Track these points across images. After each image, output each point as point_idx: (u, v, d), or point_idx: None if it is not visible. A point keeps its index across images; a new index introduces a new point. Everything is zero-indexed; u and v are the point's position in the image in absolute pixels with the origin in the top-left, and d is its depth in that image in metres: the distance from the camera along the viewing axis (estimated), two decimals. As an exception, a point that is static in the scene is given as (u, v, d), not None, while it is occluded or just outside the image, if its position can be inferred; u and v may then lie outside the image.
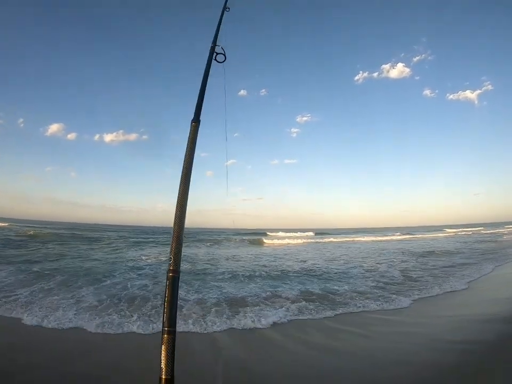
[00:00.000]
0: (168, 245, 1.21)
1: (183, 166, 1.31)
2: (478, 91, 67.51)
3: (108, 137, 78.47)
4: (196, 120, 1.42)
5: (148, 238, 26.76)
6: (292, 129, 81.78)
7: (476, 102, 69.84)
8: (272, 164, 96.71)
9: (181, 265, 1.22)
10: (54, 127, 73.96)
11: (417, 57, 66.48)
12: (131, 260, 12.06)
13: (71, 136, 75.53)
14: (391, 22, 71.36)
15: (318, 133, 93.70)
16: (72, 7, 62.07)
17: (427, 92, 71.29)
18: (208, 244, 23.35)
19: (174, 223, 1.22)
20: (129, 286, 6.95)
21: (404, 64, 66.93)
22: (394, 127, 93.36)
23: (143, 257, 12.79)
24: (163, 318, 1.14)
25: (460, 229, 50.96)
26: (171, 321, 1.14)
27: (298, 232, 42.15)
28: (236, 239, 28.20)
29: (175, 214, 1.24)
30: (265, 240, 27.55)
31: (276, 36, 74.24)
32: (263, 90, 74.11)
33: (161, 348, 1.13)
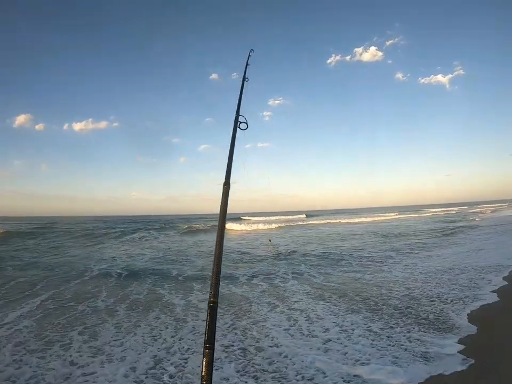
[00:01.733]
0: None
1: (218, 222, 1.70)
2: (450, 75, 71.48)
3: (77, 126, 74.71)
4: (227, 184, 1.76)
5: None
6: (264, 113, 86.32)
7: (448, 86, 74.36)
8: (246, 148, 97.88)
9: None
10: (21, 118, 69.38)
11: (390, 41, 69.51)
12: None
13: (39, 126, 71.18)
14: (364, 6, 74.60)
15: (290, 116, 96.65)
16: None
17: (399, 76, 75.53)
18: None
19: (214, 263, 1.61)
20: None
21: (376, 47, 69.90)
22: (366, 109, 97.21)
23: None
24: (205, 337, 1.53)
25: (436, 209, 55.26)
26: (211, 340, 1.52)
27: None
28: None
29: (214, 254, 1.63)
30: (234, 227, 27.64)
31: (248, 18, 74.29)
32: (234, 73, 74.48)
33: (202, 360, 1.51)
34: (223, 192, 1.75)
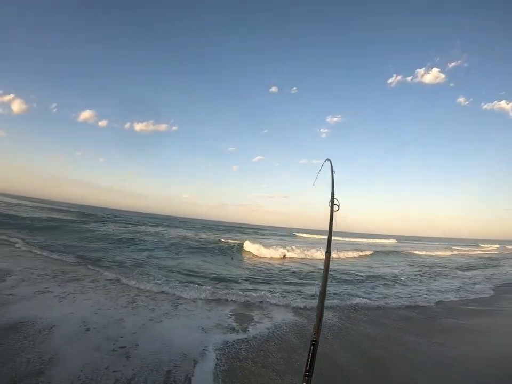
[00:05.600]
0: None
1: (324, 266, 2.00)
2: None
3: (138, 126, 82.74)
4: (329, 251, 2.07)
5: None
6: (321, 129, 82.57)
7: (511, 113, 66.46)
8: (300, 163, 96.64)
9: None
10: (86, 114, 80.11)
11: (453, 63, 65.54)
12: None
13: (102, 123, 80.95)
14: (427, 25, 67.33)
15: (348, 134, 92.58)
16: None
17: (461, 100, 69.33)
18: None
19: (318, 303, 1.92)
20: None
21: (439, 69, 65.18)
22: (425, 133, 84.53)
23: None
24: (305, 368, 1.85)
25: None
26: (310, 372, 1.83)
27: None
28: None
29: (319, 299, 1.93)
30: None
31: (309, 35, 73.92)
32: (294, 88, 75.40)
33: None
34: (325, 260, 2.06)
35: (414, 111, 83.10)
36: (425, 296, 8.62)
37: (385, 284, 10.37)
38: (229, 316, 5.77)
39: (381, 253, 23.07)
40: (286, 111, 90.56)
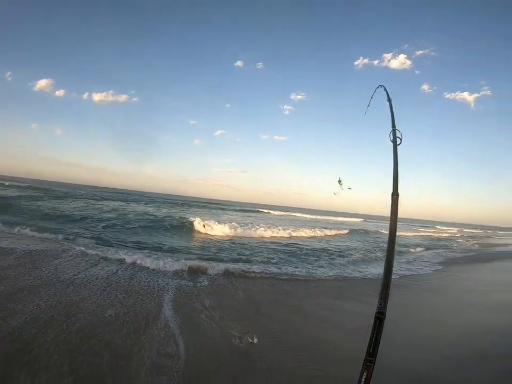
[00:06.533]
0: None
1: (389, 229, 1.58)
2: (476, 94, 67.49)
3: (97, 97, 76.54)
4: (395, 194, 1.65)
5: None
6: (284, 106, 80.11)
7: (472, 105, 70.25)
8: (262, 139, 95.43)
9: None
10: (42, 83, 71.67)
11: (421, 52, 65.56)
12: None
13: (59, 93, 73.82)
14: (399, 11, 70.15)
15: (311, 112, 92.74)
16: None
17: (425, 87, 70.51)
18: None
19: (384, 272, 1.50)
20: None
21: (406, 56, 65.35)
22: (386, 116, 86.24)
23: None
24: (368, 349, 1.43)
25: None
26: (373, 353, 1.41)
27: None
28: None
29: (384, 267, 1.52)
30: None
31: (279, 13, 71.93)
32: (260, 63, 72.89)
33: (361, 372, 1.42)
34: (392, 202, 1.64)
35: (378, 95, 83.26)
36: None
37: (330, 257, 11.06)
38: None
39: (354, 231, 24.00)
40: (250, 86, 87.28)
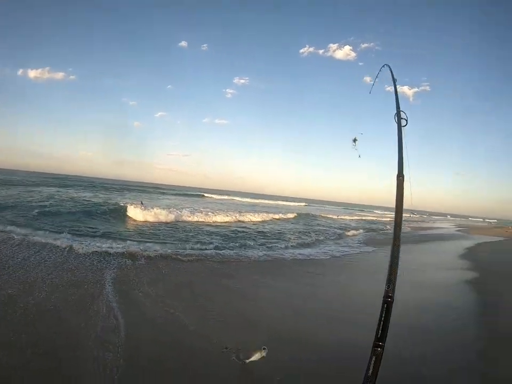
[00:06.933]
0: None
1: (395, 214, 1.55)
2: (416, 89, 71.34)
3: (33, 73, 70.28)
4: (401, 175, 1.63)
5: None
6: (227, 90, 79.09)
7: (411, 99, 73.82)
8: (203, 122, 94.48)
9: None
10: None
11: (366, 45, 67.92)
12: None
13: None
14: (349, 4, 71.80)
15: (254, 97, 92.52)
16: None
17: (367, 79, 73.89)
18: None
19: (391, 255, 1.47)
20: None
21: (351, 47, 67.95)
22: (330, 105, 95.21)
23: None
24: (376, 334, 1.39)
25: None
26: (382, 338, 1.38)
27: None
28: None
29: (391, 251, 1.49)
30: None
31: None
32: (205, 45, 69.11)
33: (370, 358, 1.38)
34: (397, 184, 1.61)
35: (321, 83, 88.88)
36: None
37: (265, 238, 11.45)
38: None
39: (302, 215, 24.93)
40: (194, 67, 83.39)
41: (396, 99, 1.97)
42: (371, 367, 1.35)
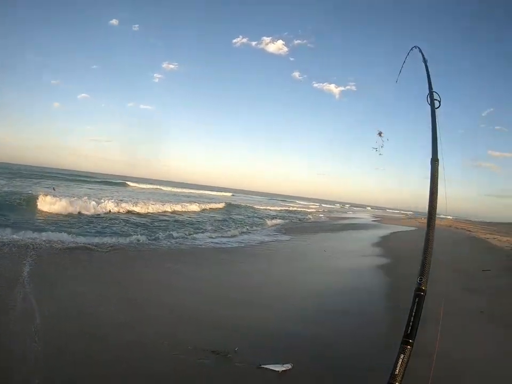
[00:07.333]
0: None
1: (429, 202, 1.42)
2: (342, 88, 78.00)
3: None
4: (436, 159, 1.54)
5: None
6: (155, 74, 77.66)
7: (337, 96, 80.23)
8: (128, 106, 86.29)
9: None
10: None
11: (298, 41, 71.13)
12: None
13: None
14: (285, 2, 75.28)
15: (182, 84, 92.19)
16: None
17: (296, 74, 77.76)
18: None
19: (425, 246, 1.34)
20: None
21: (284, 42, 69.84)
22: (259, 96, 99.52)
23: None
24: (406, 330, 1.26)
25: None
26: (412, 334, 1.26)
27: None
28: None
29: (426, 237, 1.36)
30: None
31: None
32: (136, 26, 64.59)
33: (398, 356, 1.24)
34: (433, 169, 1.49)
35: (252, 73, 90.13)
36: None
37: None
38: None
39: (230, 205, 24.65)
40: (122, 48, 76.85)
41: (428, 80, 1.87)
42: (398, 366, 1.22)
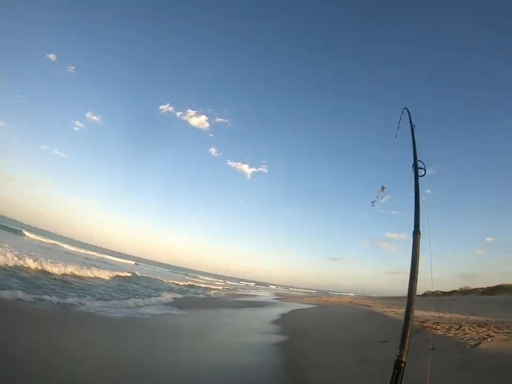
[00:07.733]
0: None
1: (410, 272, 1.53)
2: (254, 169, 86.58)
3: None
4: (418, 232, 1.62)
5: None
6: (76, 122, 76.92)
7: (248, 176, 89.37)
8: (41, 148, 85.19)
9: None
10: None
11: (220, 119, 79.67)
12: None
13: None
14: (214, 82, 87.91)
15: (101, 138, 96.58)
16: None
17: (213, 150, 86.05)
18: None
19: (405, 317, 1.40)
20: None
21: (207, 118, 77.75)
22: (174, 168, 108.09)
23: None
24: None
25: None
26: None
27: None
28: None
29: (404, 317, 1.42)
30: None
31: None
32: (72, 67, 68.71)
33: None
34: (413, 242, 1.61)
35: (171, 142, 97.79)
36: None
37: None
38: None
39: (137, 276, 22.39)
40: (53, 85, 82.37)
41: (413, 147, 1.94)
42: None
